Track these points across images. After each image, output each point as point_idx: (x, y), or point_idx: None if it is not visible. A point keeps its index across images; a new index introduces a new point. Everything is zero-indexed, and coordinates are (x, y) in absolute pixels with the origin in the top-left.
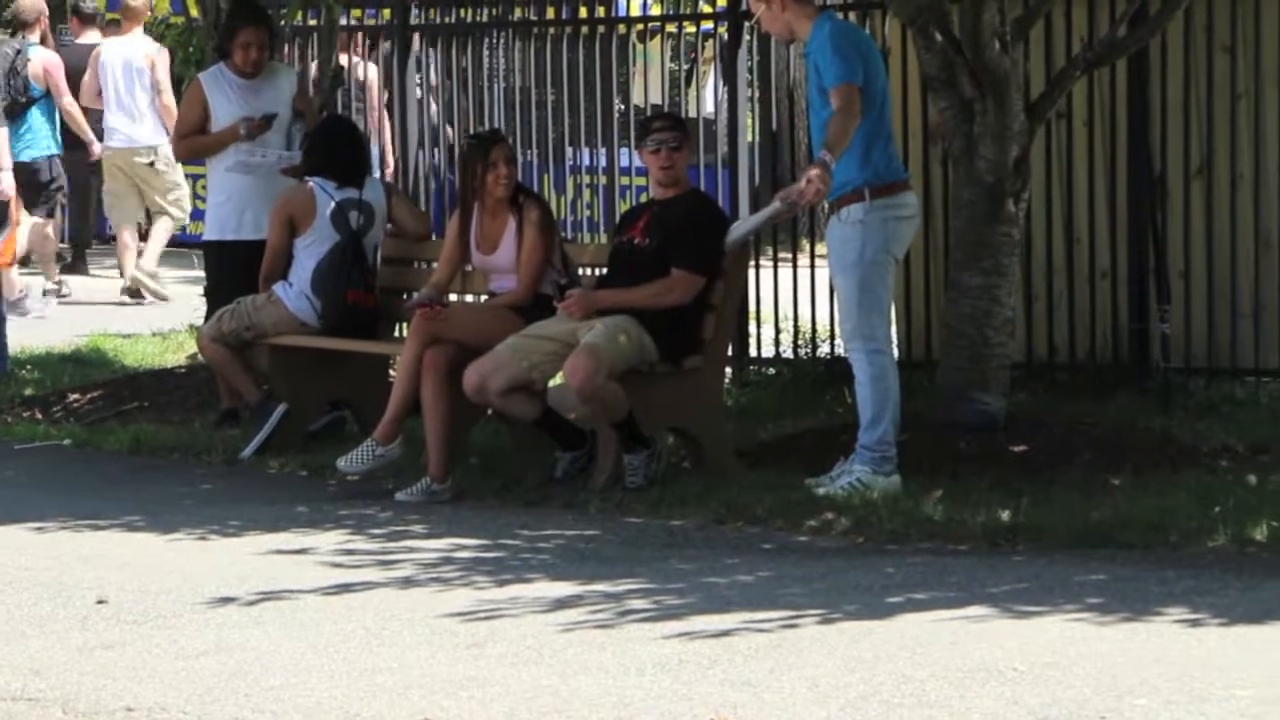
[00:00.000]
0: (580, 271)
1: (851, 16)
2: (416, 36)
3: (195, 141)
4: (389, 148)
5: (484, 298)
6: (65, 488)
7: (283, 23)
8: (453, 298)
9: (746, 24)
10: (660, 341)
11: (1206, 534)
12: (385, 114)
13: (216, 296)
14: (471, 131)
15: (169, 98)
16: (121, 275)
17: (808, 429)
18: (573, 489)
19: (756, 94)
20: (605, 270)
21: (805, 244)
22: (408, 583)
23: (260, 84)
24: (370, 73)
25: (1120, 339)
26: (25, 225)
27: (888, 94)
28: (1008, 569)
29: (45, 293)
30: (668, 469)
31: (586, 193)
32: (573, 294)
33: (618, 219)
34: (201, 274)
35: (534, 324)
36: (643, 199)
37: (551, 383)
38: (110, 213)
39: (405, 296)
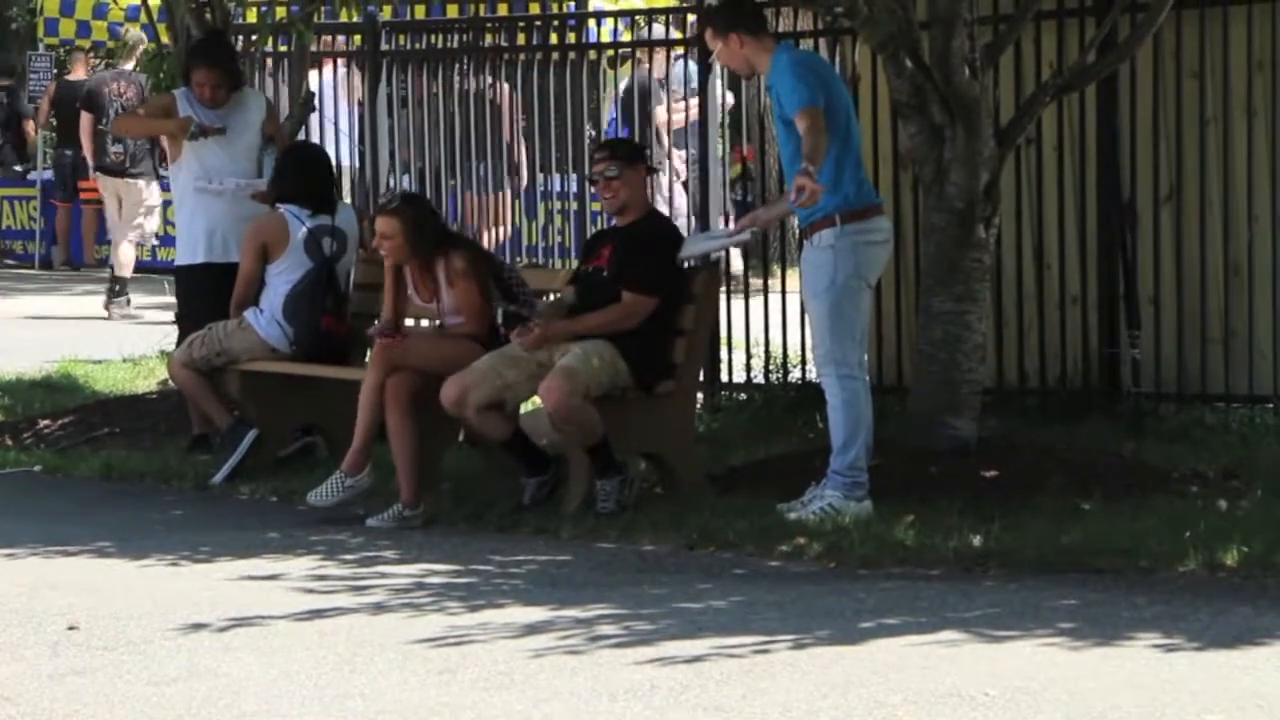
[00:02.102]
0: (545, 296)
1: (821, 43)
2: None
3: (136, 117)
4: (523, 167)
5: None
6: (36, 514)
7: (253, 49)
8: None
9: None
10: (633, 366)
11: (1177, 559)
12: (522, 136)
13: (187, 322)
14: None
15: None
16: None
17: (779, 454)
18: (544, 514)
19: (727, 119)
20: (555, 295)
21: (776, 269)
22: (379, 608)
23: (228, 111)
24: (504, 94)
25: (1091, 364)
26: None
27: (853, 118)
28: (979, 594)
29: None
30: (639, 494)
31: (557, 219)
32: (532, 325)
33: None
34: (172, 299)
35: (511, 344)
36: (615, 223)
37: (525, 408)
38: None
39: (377, 322)
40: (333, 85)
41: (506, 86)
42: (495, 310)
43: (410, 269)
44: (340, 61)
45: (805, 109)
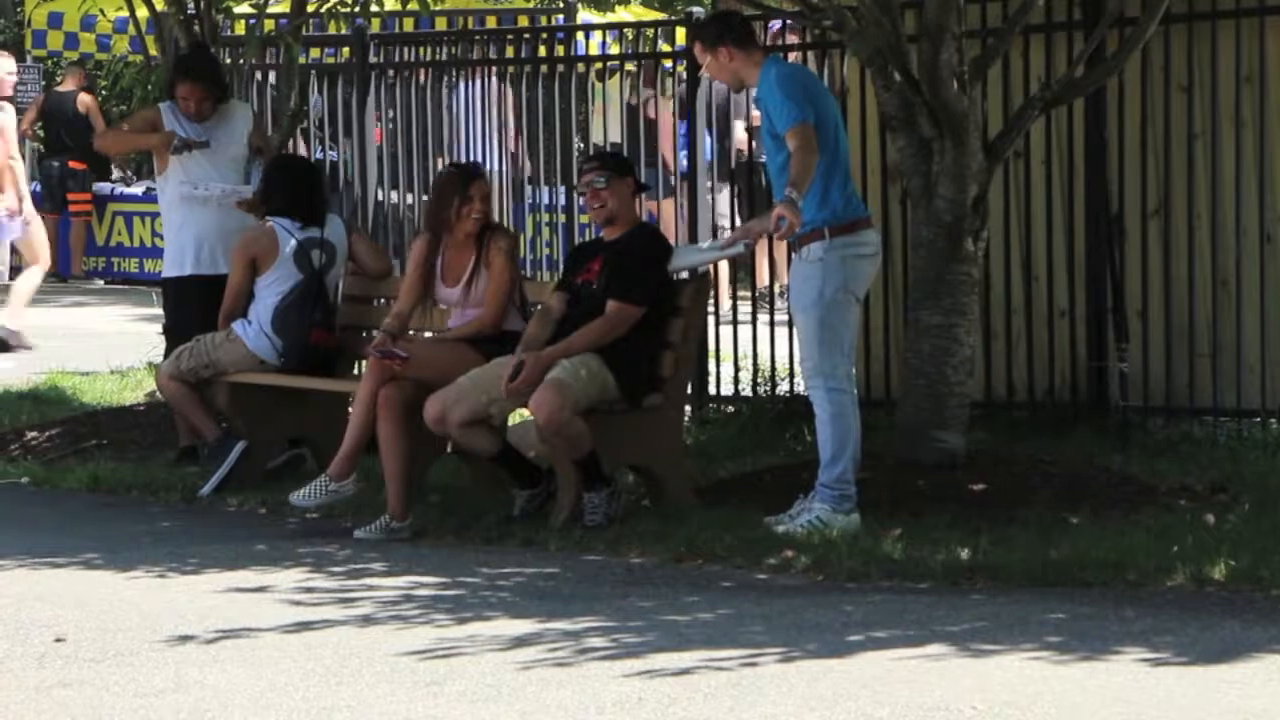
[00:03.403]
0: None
1: (810, 56)
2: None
3: (119, 132)
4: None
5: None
6: (23, 526)
7: (242, 61)
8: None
9: None
10: (620, 380)
11: (1165, 573)
12: (671, 150)
13: (175, 334)
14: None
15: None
16: None
17: (767, 467)
18: (532, 527)
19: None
20: (547, 303)
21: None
22: (367, 621)
23: (213, 124)
24: (663, 110)
25: (1079, 378)
26: None
27: (841, 132)
28: (967, 607)
29: None
30: (627, 507)
31: (546, 231)
32: (523, 359)
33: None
34: (160, 312)
35: (497, 359)
36: (604, 235)
37: (513, 419)
38: None
39: (365, 334)
40: (483, 97)
41: (666, 101)
42: (514, 322)
43: (449, 246)
44: (491, 72)
45: (796, 127)
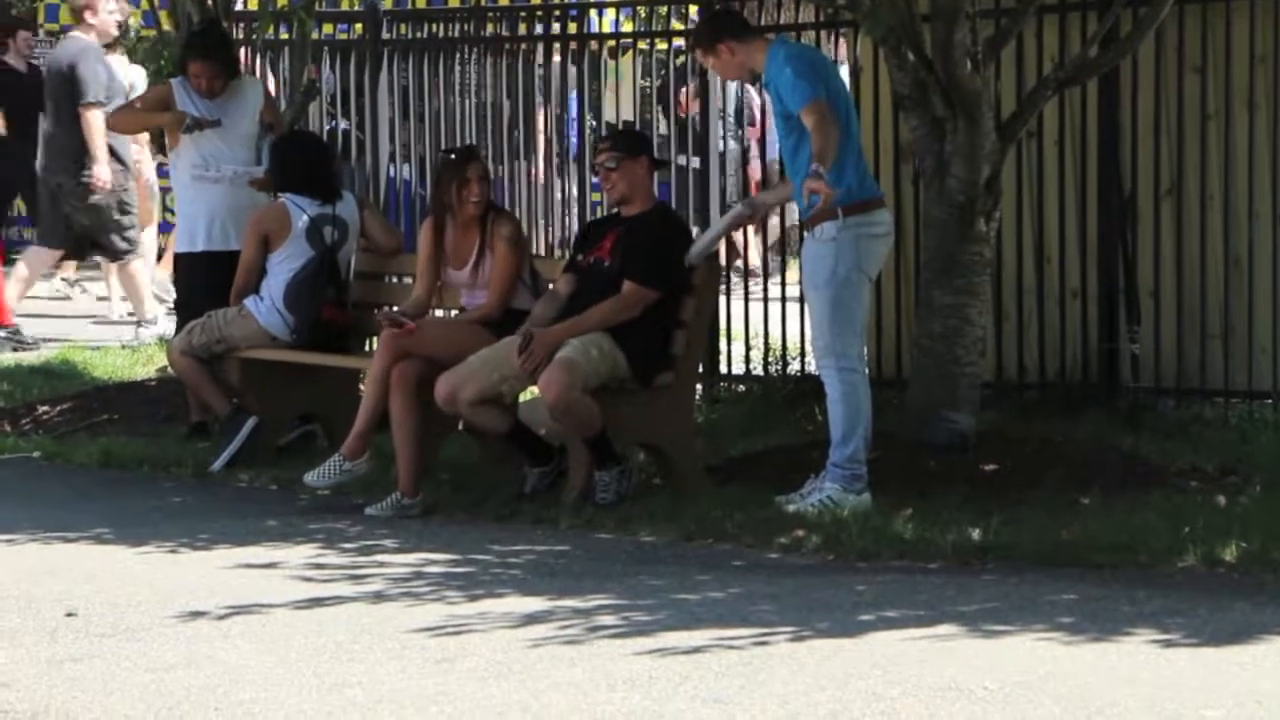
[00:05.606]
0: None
1: (823, 35)
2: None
3: (131, 110)
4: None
5: (454, 313)
6: (34, 500)
7: (254, 36)
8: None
9: None
10: (631, 358)
11: (1176, 554)
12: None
13: (186, 310)
14: (445, 147)
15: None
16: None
17: (778, 446)
18: (543, 504)
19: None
20: (554, 285)
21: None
22: (378, 597)
23: (225, 100)
24: (754, 96)
25: (1090, 358)
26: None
27: (852, 110)
28: (978, 588)
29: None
30: (638, 485)
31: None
32: (530, 335)
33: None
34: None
35: (507, 337)
36: (621, 213)
37: (523, 397)
38: None
39: (377, 311)
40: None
41: (752, 95)
42: (524, 294)
43: (454, 229)
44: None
45: (811, 104)
